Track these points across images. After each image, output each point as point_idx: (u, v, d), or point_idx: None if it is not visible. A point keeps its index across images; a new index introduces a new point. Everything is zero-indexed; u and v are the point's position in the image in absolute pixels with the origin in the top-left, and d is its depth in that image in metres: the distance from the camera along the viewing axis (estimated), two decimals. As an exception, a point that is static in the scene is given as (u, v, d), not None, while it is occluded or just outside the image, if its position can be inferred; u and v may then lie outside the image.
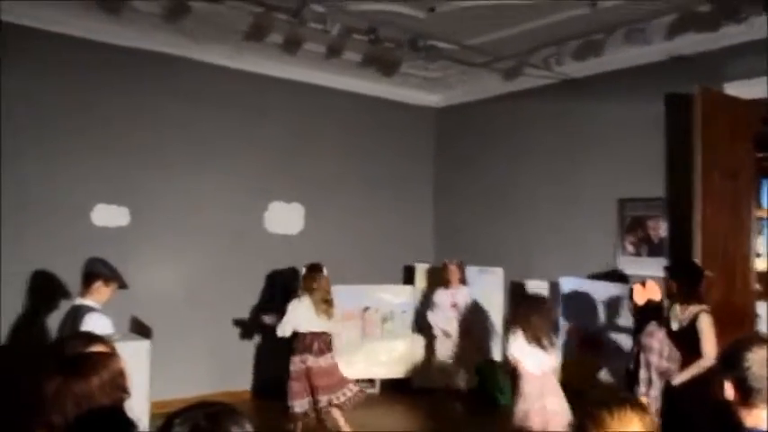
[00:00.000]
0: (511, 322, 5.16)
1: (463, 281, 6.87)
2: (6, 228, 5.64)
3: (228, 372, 6.83)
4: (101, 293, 3.83)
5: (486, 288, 7.24)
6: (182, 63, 6.61)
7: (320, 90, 7.58)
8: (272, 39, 6.41)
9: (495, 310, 7.22)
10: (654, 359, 4.18)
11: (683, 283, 4.45)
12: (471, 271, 7.22)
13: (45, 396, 1.97)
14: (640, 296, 4.76)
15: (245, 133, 7.09)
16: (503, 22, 6.02)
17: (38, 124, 5.90)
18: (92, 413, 1.97)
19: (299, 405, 5.46)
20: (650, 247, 6.28)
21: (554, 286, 6.63)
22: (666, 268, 4.71)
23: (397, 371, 7.42)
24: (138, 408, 2.34)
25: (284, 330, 5.52)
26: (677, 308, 4.47)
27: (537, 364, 4.37)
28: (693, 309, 4.36)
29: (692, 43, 5.84)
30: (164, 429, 1.51)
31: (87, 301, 3.78)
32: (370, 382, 7.41)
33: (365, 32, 5.72)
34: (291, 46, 6.56)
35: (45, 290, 5.60)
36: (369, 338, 7.35)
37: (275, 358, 6.06)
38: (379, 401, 7.02)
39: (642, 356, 4.26)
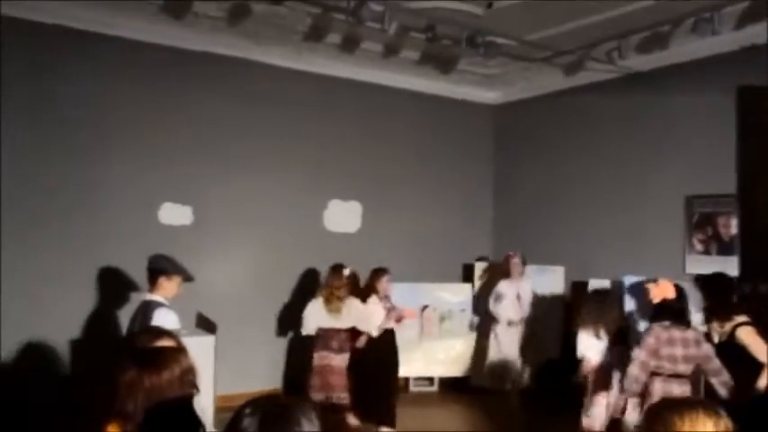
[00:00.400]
0: (579, 319, 5.06)
1: (524, 274, 6.89)
2: (78, 226, 5.90)
3: (291, 367, 6.93)
4: (166, 288, 3.93)
5: (547, 287, 7.12)
6: (243, 65, 6.74)
7: (378, 88, 7.61)
8: (330, 39, 6.50)
9: (557, 309, 7.09)
10: (641, 355, 4.02)
11: (712, 296, 4.38)
12: (531, 269, 7.13)
13: (119, 387, 2.04)
14: (654, 295, 4.61)
15: (303, 132, 7.18)
16: (562, 17, 5.90)
17: (117, 129, 6.15)
18: (161, 406, 2.02)
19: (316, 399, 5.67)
20: (720, 246, 6.04)
21: (617, 285, 6.44)
22: (696, 279, 4.56)
23: (454, 369, 7.39)
24: (203, 401, 2.40)
25: (305, 329, 5.88)
26: (715, 321, 4.36)
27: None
28: (729, 323, 4.23)
29: (763, 32, 5.57)
30: (235, 418, 1.54)
31: (156, 297, 3.89)
32: (429, 380, 7.41)
33: (423, 30, 5.70)
34: (349, 45, 6.62)
35: (113, 285, 5.82)
36: (427, 337, 7.33)
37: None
38: (437, 400, 6.99)
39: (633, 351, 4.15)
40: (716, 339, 4.28)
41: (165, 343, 2.42)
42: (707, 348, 4.03)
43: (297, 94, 7.12)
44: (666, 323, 4.13)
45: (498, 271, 7.21)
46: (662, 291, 4.45)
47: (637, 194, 6.78)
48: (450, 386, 7.36)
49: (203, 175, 6.57)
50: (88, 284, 5.91)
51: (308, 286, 6.75)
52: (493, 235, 8.52)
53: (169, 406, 2.03)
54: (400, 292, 6.54)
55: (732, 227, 5.94)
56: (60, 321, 5.71)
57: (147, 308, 3.78)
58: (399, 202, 7.78)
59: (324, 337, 5.83)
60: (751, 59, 5.63)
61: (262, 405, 1.55)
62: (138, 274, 4.29)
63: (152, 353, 2.20)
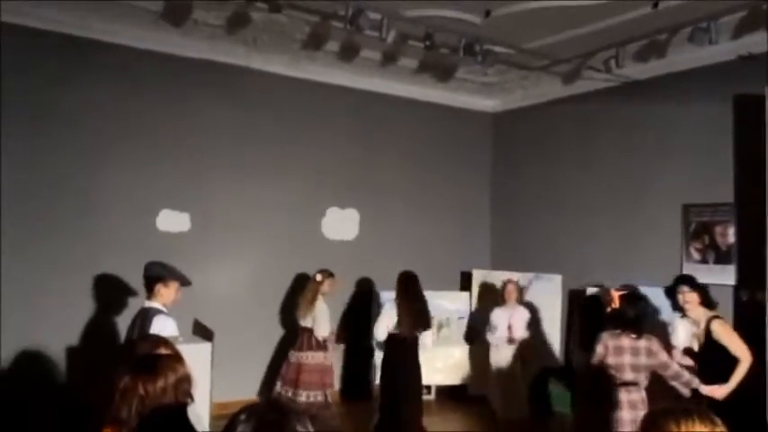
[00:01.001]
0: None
1: (520, 300, 6.81)
2: (76, 233, 5.90)
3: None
4: (164, 295, 3.93)
5: (544, 295, 7.12)
6: (241, 72, 6.76)
7: (376, 96, 7.63)
8: (329, 47, 6.52)
9: (554, 316, 7.09)
10: (594, 362, 4.15)
11: (704, 290, 4.48)
12: (528, 277, 7.12)
13: (114, 393, 2.06)
14: (606, 303, 4.69)
15: (302, 140, 7.19)
16: (560, 25, 5.93)
17: (115, 136, 6.15)
18: (155, 412, 2.04)
19: (277, 390, 5.97)
20: (717, 254, 6.04)
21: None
22: (685, 280, 4.59)
23: (452, 377, 7.37)
24: (199, 409, 2.39)
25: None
26: (689, 323, 4.49)
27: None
28: (703, 317, 4.40)
29: (760, 41, 5.60)
30: (230, 424, 1.54)
31: (154, 304, 3.89)
32: (426, 388, 7.38)
33: (421, 39, 5.73)
34: (348, 53, 6.64)
35: (111, 292, 5.81)
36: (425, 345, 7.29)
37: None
38: (435, 408, 6.97)
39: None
40: (696, 347, 4.42)
41: (162, 351, 2.43)
42: (661, 356, 4.06)
43: (295, 102, 7.14)
44: (617, 331, 4.16)
45: (495, 290, 7.15)
46: (612, 300, 4.52)
47: (634, 203, 6.79)
48: (447, 394, 7.34)
49: (201, 182, 6.58)
50: (86, 292, 5.90)
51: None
52: (491, 242, 8.53)
53: (163, 413, 2.04)
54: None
55: (729, 235, 5.95)
56: (59, 328, 5.71)
57: (146, 315, 3.78)
58: (397, 209, 7.79)
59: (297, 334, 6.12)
60: (748, 68, 5.66)
61: (257, 411, 1.54)
62: (137, 281, 4.29)
63: (147, 360, 2.22)
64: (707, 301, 4.49)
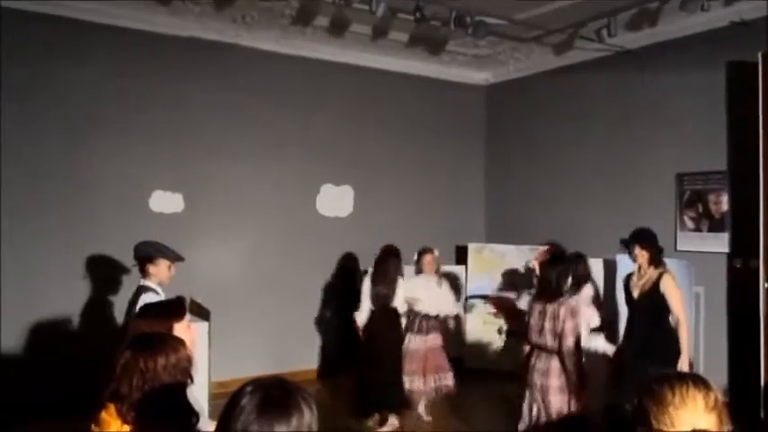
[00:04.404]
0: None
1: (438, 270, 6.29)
2: (68, 215, 5.88)
3: (286, 352, 6.95)
4: (155, 274, 3.96)
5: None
6: (230, 50, 6.68)
7: (367, 71, 7.57)
8: (318, 22, 6.44)
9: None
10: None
11: (654, 249, 4.55)
12: (524, 250, 7.14)
13: (114, 369, 2.09)
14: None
15: (294, 117, 7.14)
16: (552, -5, 5.86)
17: (104, 115, 6.10)
18: (154, 390, 2.06)
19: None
20: (711, 223, 6.07)
21: (609, 264, 6.47)
22: (636, 237, 4.65)
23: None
24: (197, 387, 2.41)
25: None
26: (634, 277, 4.61)
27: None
28: (653, 272, 4.50)
29: (753, 8, 5.56)
30: (236, 393, 1.54)
31: (147, 282, 3.94)
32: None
33: (411, 11, 5.66)
34: (338, 28, 6.57)
35: (106, 272, 5.81)
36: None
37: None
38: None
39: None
40: (636, 294, 4.55)
41: (170, 327, 2.51)
42: (566, 324, 3.98)
43: (285, 78, 7.08)
44: (535, 293, 4.24)
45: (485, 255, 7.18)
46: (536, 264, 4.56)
47: (628, 172, 6.79)
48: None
49: (194, 162, 6.54)
50: (81, 273, 5.89)
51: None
52: (486, 216, 8.54)
53: (163, 390, 2.07)
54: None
55: (723, 204, 5.97)
56: (55, 309, 5.73)
57: (137, 293, 3.81)
58: (391, 184, 7.77)
59: None
60: (740, 35, 5.62)
61: (265, 385, 1.55)
62: (131, 262, 4.28)
63: (149, 337, 2.24)
64: (656, 260, 4.57)
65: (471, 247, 7.87)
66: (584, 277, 5.35)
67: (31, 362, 5.62)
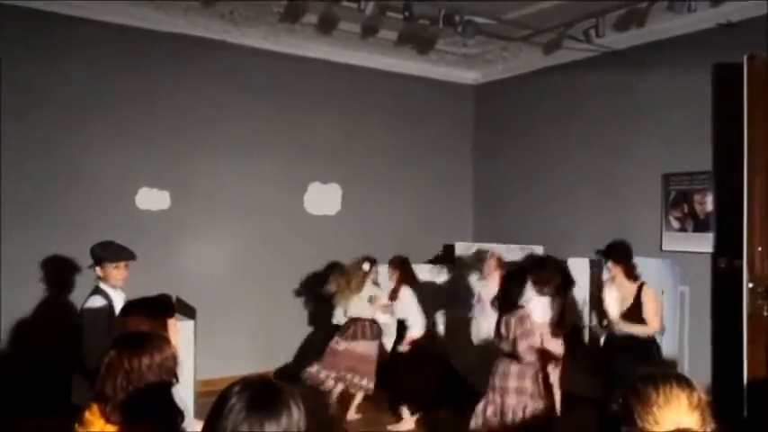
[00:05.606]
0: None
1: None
2: (52, 214, 5.83)
3: (272, 350, 6.93)
4: (103, 276, 3.89)
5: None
6: (218, 47, 6.64)
7: (356, 70, 7.55)
8: (307, 19, 6.42)
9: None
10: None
11: (626, 263, 4.67)
12: (512, 249, 7.15)
13: (99, 368, 2.08)
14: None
15: (282, 114, 7.12)
16: (541, -5, 5.88)
17: (86, 110, 6.04)
18: (139, 390, 2.05)
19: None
20: (696, 223, 6.11)
21: (596, 264, 6.51)
22: (609, 252, 4.76)
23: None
24: (183, 385, 2.40)
25: None
26: (615, 291, 4.64)
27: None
28: (632, 286, 4.61)
29: (740, 9, 5.60)
30: (224, 393, 1.54)
31: (100, 284, 3.90)
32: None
33: (400, 10, 5.65)
34: (327, 26, 6.55)
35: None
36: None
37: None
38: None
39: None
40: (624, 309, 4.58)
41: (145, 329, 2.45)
42: (516, 331, 4.17)
43: (274, 76, 7.05)
44: (498, 303, 4.49)
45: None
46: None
47: (616, 172, 6.82)
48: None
49: (180, 159, 6.50)
50: (67, 271, 5.84)
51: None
52: (474, 215, 8.56)
53: (148, 389, 2.06)
54: (381, 272, 6.52)
55: (708, 204, 6.01)
56: (42, 308, 5.70)
57: (89, 295, 3.83)
58: (379, 183, 7.77)
59: None
60: (727, 37, 5.66)
61: (253, 384, 1.55)
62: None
63: (134, 336, 2.23)
64: (630, 274, 4.67)
65: (459, 246, 7.89)
66: (545, 279, 5.22)
67: (20, 363, 5.57)
